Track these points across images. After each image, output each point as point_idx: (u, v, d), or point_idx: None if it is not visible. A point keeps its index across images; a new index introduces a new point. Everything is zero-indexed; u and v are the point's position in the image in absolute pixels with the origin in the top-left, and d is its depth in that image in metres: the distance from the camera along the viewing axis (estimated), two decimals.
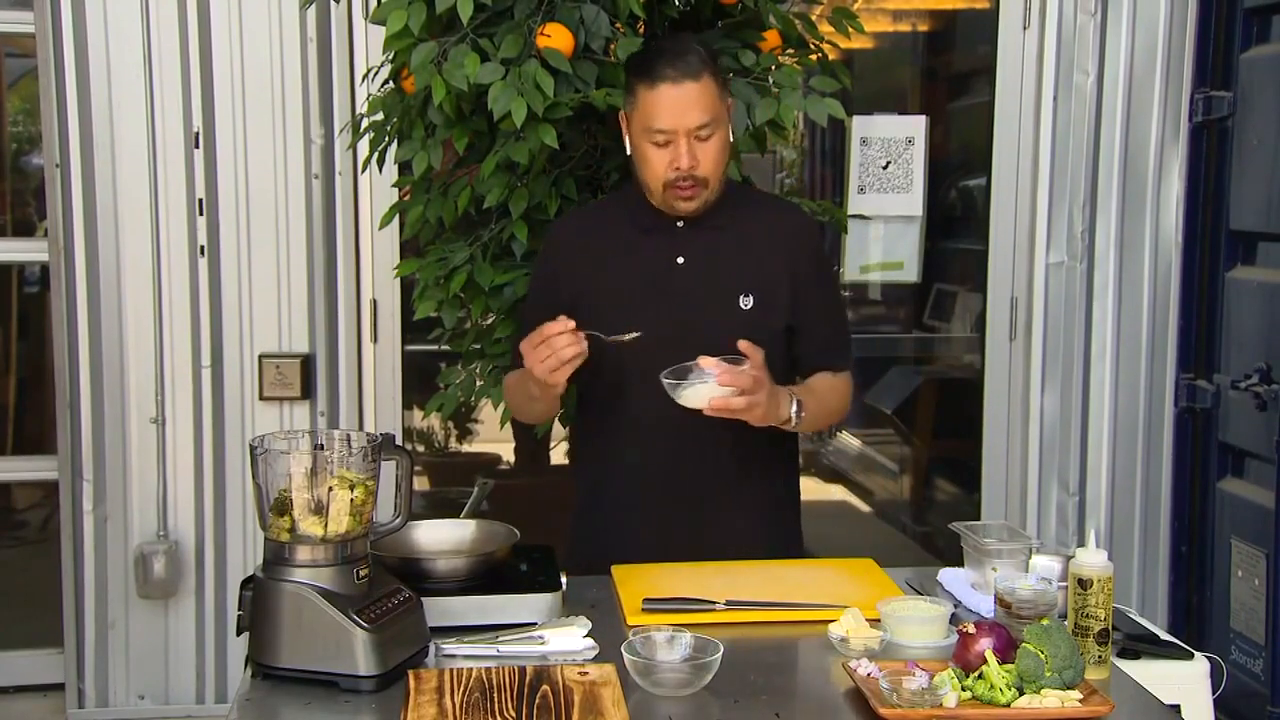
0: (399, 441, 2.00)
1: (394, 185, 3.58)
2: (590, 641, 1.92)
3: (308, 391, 3.83)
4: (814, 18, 3.01)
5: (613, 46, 2.67)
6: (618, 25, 2.71)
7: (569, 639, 1.92)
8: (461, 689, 1.74)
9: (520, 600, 2.01)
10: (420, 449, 4.63)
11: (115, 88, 3.71)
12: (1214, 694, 2.47)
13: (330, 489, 1.81)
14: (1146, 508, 4.01)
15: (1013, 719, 1.68)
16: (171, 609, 3.85)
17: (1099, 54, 3.89)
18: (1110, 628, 1.88)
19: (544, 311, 2.35)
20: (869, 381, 5.09)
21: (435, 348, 3.33)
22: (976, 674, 1.74)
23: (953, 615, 1.99)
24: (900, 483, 5.16)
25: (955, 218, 4.53)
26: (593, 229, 2.48)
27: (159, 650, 3.86)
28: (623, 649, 1.80)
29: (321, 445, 1.87)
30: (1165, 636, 2.49)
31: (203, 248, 3.78)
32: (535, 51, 2.56)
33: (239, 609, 1.84)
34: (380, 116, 2.90)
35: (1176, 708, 2.10)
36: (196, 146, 3.75)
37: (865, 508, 5.21)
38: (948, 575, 2.25)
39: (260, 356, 3.81)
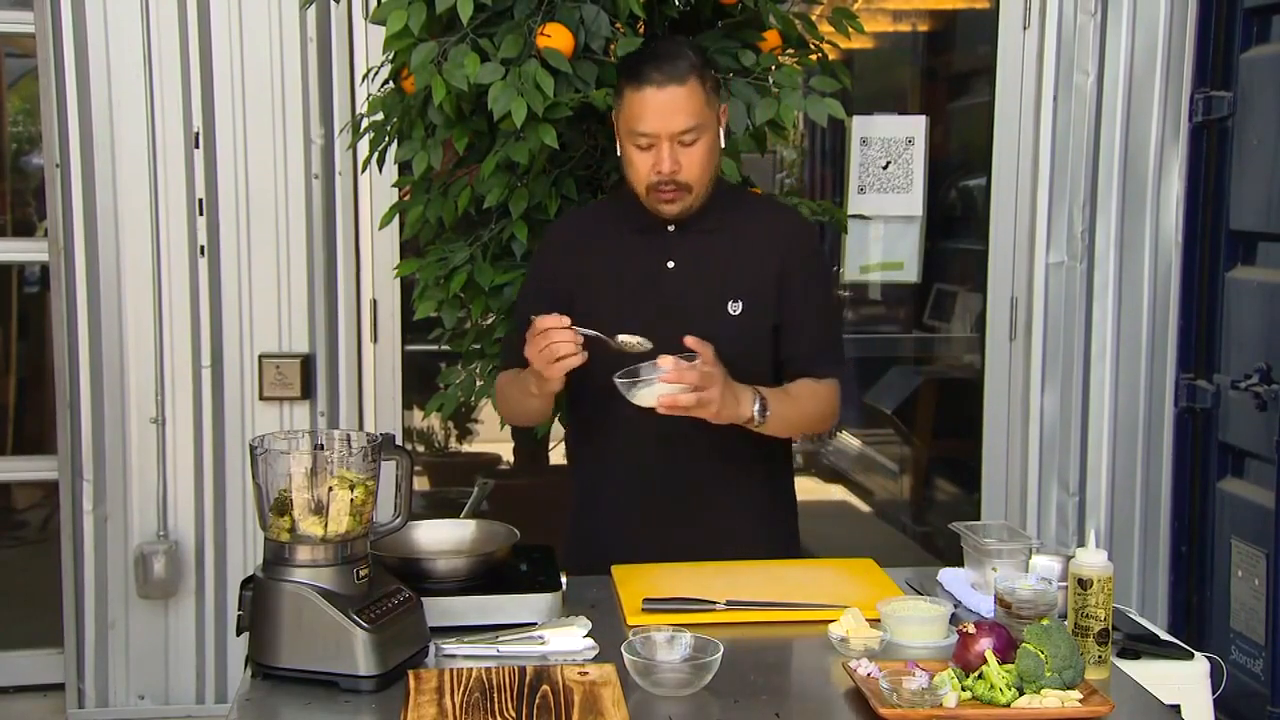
0: (399, 441, 2.00)
1: (394, 185, 3.58)
2: (590, 641, 1.92)
3: (308, 391, 3.83)
4: (814, 18, 3.01)
5: (613, 46, 2.68)
6: (618, 25, 2.71)
7: (569, 639, 1.92)
8: (461, 689, 1.74)
9: (520, 600, 2.01)
10: (420, 449, 4.63)
11: (115, 88, 3.71)
12: (1214, 694, 2.47)
13: (330, 489, 1.81)
14: (1146, 508, 4.01)
15: (1013, 719, 1.69)
16: (171, 609, 3.85)
17: (1099, 54, 3.89)
18: (1110, 628, 1.88)
19: (537, 311, 2.35)
20: (869, 381, 5.09)
21: (435, 348, 3.33)
22: (976, 674, 1.74)
23: (953, 615, 1.99)
24: (900, 483, 5.16)
25: (955, 218, 4.54)
26: (587, 231, 2.47)
27: (159, 650, 3.86)
28: (623, 649, 1.80)
29: (321, 445, 1.87)
30: (1165, 636, 2.49)
31: (203, 248, 3.78)
32: (535, 51, 2.56)
33: (239, 609, 1.84)
34: (380, 116, 2.90)
35: (1176, 708, 2.10)
36: (196, 146, 3.75)
37: (865, 508, 5.22)
38: (948, 575, 2.25)
39: (260, 356, 3.81)
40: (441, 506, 4.40)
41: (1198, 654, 2.46)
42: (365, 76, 3.48)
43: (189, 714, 3.87)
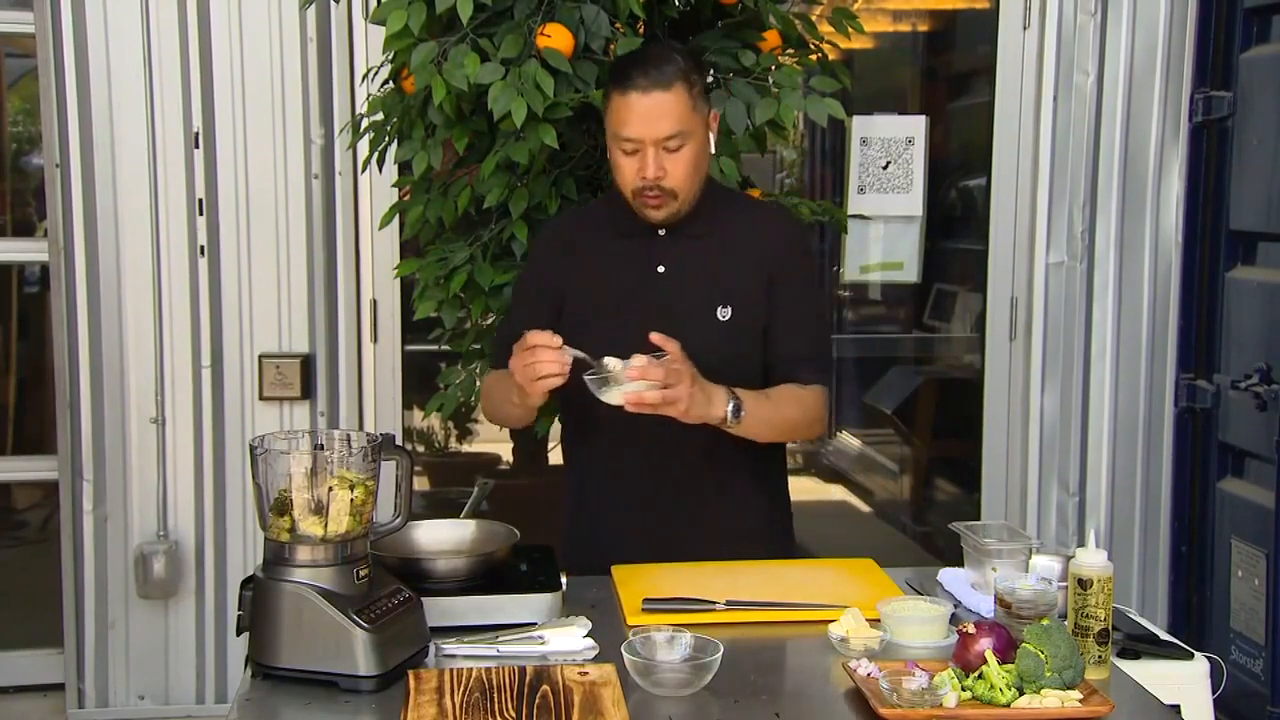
0: (399, 441, 2.00)
1: (394, 185, 3.58)
2: (590, 641, 1.92)
3: (308, 391, 3.83)
4: (814, 18, 3.01)
5: (613, 46, 2.68)
6: (618, 25, 2.71)
7: (569, 639, 1.92)
8: (461, 689, 1.74)
9: (520, 600, 2.01)
10: (420, 449, 4.63)
11: (115, 88, 3.71)
12: (1214, 694, 2.47)
13: (330, 489, 1.81)
14: (1146, 508, 4.01)
15: (1013, 719, 1.69)
16: (171, 609, 3.85)
17: (1099, 54, 3.89)
18: (1110, 628, 1.88)
19: (529, 313, 2.36)
20: (869, 381, 5.10)
21: (435, 348, 3.33)
22: (976, 674, 1.74)
23: (953, 615, 1.99)
24: (900, 483, 5.16)
25: (955, 218, 4.54)
26: (580, 233, 2.46)
27: (159, 650, 3.86)
28: (623, 649, 1.80)
29: (321, 445, 1.87)
30: (1165, 636, 2.49)
31: (203, 248, 3.78)
32: (535, 51, 2.56)
33: (239, 609, 1.84)
34: (380, 116, 2.90)
35: (1176, 708, 2.10)
36: (196, 146, 3.75)
37: (865, 508, 5.22)
38: (948, 575, 2.24)
39: (260, 356, 3.81)
40: (441, 506, 4.40)
41: (1198, 654, 2.46)
42: (365, 76, 3.48)
43: (189, 714, 3.87)
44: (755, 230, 2.40)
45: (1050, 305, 3.96)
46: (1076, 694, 1.71)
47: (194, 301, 3.79)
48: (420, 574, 2.03)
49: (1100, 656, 1.87)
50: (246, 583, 1.85)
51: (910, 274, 4.13)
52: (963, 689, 1.72)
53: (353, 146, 3.33)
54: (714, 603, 2.06)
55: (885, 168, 4.02)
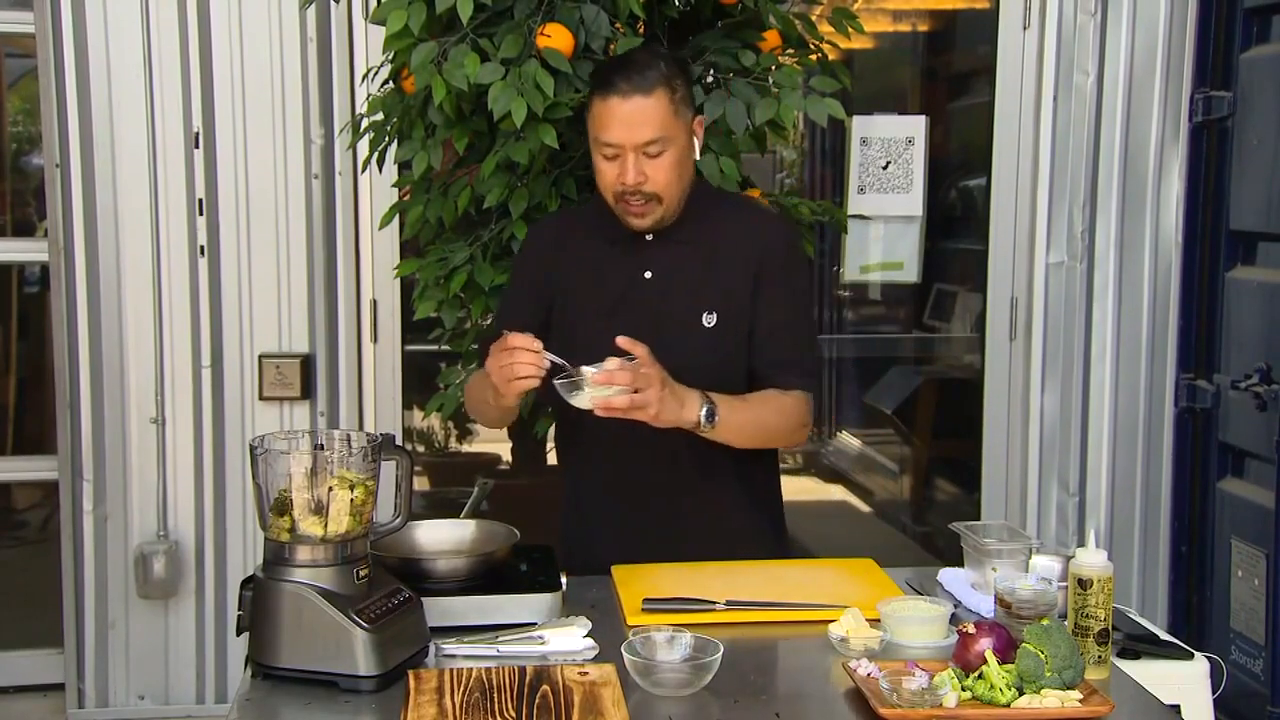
0: (399, 441, 2.00)
1: (394, 185, 3.58)
2: (590, 641, 1.92)
3: (308, 391, 3.83)
4: (814, 18, 3.01)
5: (613, 46, 2.68)
6: (618, 25, 2.71)
7: (569, 639, 1.92)
8: (461, 689, 1.74)
9: (520, 600, 2.01)
10: (420, 449, 4.63)
11: (115, 88, 3.71)
12: (1214, 694, 2.47)
13: (330, 489, 1.81)
14: (1146, 508, 4.01)
15: (1013, 719, 1.69)
16: (171, 609, 3.85)
17: (1099, 54, 3.89)
18: (1110, 628, 1.88)
19: (518, 312, 2.37)
20: (869, 381, 5.10)
21: (435, 348, 3.33)
22: (976, 674, 1.74)
23: (953, 615, 1.99)
24: (900, 483, 5.16)
25: (955, 218, 4.53)
26: (570, 234, 2.45)
27: (159, 650, 3.86)
28: (623, 649, 1.80)
29: (321, 445, 1.87)
30: (1165, 636, 2.49)
31: (203, 248, 3.78)
32: (535, 51, 2.56)
33: (239, 609, 1.84)
34: (380, 116, 2.90)
35: (1176, 708, 2.10)
36: (196, 146, 3.75)
37: (865, 508, 5.21)
38: (948, 575, 2.25)
39: (260, 356, 3.81)
40: (441, 506, 4.40)
41: (1198, 654, 2.46)
42: (365, 76, 3.48)
43: (189, 714, 3.87)
44: (743, 233, 2.37)
45: (1050, 305, 3.96)
46: (1076, 694, 1.71)
47: (194, 301, 3.79)
48: (420, 574, 2.03)
49: (1100, 656, 1.87)
50: (246, 583, 1.85)
51: (910, 274, 4.13)
52: (963, 689, 1.72)
53: (353, 146, 3.33)
54: (714, 603, 2.06)
55: (885, 168, 4.02)
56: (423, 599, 1.91)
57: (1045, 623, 1.77)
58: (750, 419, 2.28)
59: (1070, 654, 1.73)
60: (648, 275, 2.35)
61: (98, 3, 3.67)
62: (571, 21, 2.63)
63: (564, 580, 2.07)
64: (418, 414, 4.28)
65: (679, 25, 2.89)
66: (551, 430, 3.04)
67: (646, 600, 2.07)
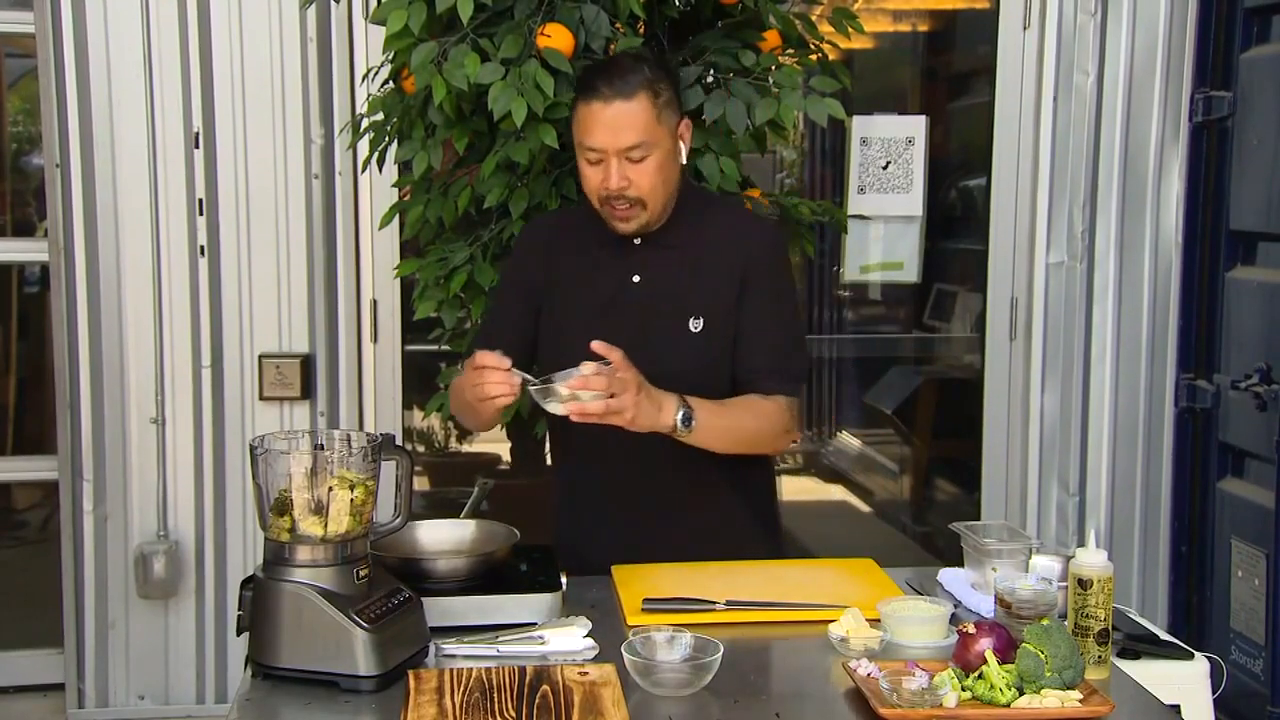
0: (399, 441, 2.00)
1: (394, 185, 3.58)
2: (590, 641, 1.92)
3: (308, 391, 3.83)
4: (814, 18, 3.01)
5: (613, 46, 2.68)
6: (618, 25, 2.71)
7: (569, 639, 1.92)
8: (461, 689, 1.74)
9: (520, 600, 2.01)
10: (420, 449, 4.63)
11: (115, 88, 3.71)
12: (1214, 694, 2.47)
13: (330, 489, 1.81)
14: (1146, 508, 4.01)
15: (1013, 719, 1.69)
16: (171, 609, 3.85)
17: (1099, 54, 3.89)
18: (1110, 628, 1.88)
19: (508, 313, 2.40)
20: (869, 381, 5.10)
21: (435, 348, 3.33)
22: (976, 674, 1.74)
23: (953, 615, 1.99)
24: (900, 483, 5.16)
25: (955, 218, 4.54)
26: (561, 236, 2.45)
27: (159, 650, 3.86)
28: (623, 649, 1.80)
29: (321, 445, 1.88)
30: (1165, 636, 2.49)
31: (203, 248, 3.78)
32: (535, 51, 2.56)
33: (239, 609, 1.84)
34: (380, 116, 2.90)
35: (1176, 708, 2.10)
36: (196, 146, 3.75)
37: (865, 508, 5.21)
38: (948, 575, 2.24)
39: (260, 356, 3.81)
40: (441, 506, 4.39)
41: (1198, 654, 2.46)
42: (365, 76, 3.48)
43: (189, 714, 3.87)
44: (729, 238, 2.36)
45: (1050, 305, 3.96)
46: (1076, 694, 1.71)
47: (194, 301, 3.79)
48: (420, 574, 2.03)
49: (1100, 656, 1.87)
50: (246, 583, 1.85)
51: (910, 274, 4.13)
52: (963, 689, 1.72)
53: (353, 146, 3.33)
54: (714, 603, 2.06)
55: (885, 168, 4.02)
56: (423, 599, 1.91)
57: (1045, 623, 1.77)
58: (729, 424, 2.26)
59: (1070, 654, 1.73)
60: (636, 279, 2.34)
61: (98, 3, 3.67)
62: (571, 21, 2.63)
63: (564, 580, 2.07)
64: (418, 414, 4.28)
65: (679, 25, 2.89)
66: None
67: (646, 600, 2.07)
